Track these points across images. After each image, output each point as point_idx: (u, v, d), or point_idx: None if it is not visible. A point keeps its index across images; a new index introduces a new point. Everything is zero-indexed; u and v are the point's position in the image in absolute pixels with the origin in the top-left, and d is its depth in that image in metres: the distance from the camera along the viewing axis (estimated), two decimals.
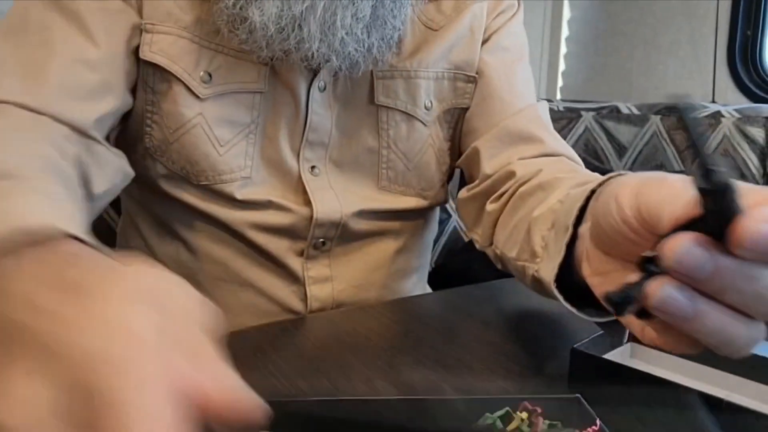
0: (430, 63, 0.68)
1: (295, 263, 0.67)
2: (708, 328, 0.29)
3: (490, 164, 0.67)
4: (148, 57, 0.60)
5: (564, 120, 1.97)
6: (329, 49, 0.58)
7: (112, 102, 0.58)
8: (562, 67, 2.34)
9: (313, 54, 0.57)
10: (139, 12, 0.60)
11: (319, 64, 0.61)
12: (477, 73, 0.71)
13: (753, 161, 1.62)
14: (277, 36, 0.56)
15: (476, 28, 0.70)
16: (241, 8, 0.57)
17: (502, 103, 0.70)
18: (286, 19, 0.56)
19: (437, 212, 0.80)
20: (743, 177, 1.63)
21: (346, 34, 0.57)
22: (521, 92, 0.71)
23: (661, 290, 0.28)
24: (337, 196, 0.67)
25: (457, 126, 0.72)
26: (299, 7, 0.56)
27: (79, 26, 0.57)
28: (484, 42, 0.71)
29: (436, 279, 0.91)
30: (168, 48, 0.60)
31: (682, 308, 0.28)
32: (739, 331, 0.29)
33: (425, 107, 0.69)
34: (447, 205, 1.19)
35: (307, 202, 0.66)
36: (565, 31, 2.28)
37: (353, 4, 0.57)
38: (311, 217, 0.65)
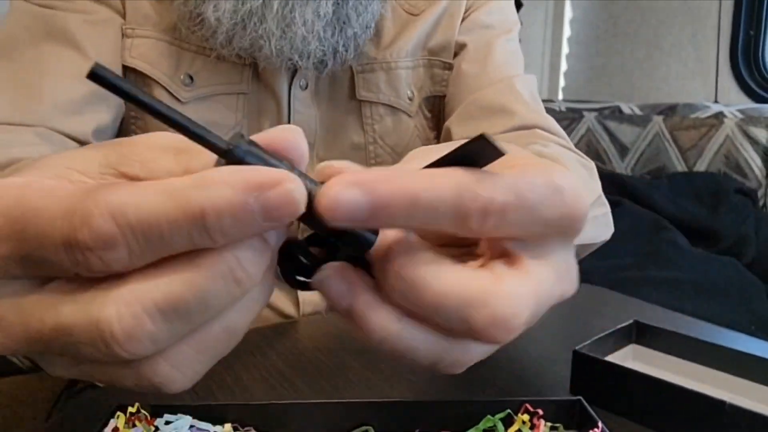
0: (409, 51, 0.67)
1: None
2: (375, 332, 0.23)
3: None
4: (129, 63, 0.60)
5: (566, 120, 1.96)
6: (291, 48, 0.57)
7: (107, 112, 0.58)
8: (564, 67, 2.34)
9: (273, 51, 0.57)
10: (123, 15, 0.60)
11: (288, 62, 0.60)
12: (454, 56, 0.69)
13: (756, 162, 1.61)
14: (234, 32, 0.56)
15: (455, 9, 0.69)
16: (195, 5, 0.57)
17: (475, 78, 0.67)
18: (242, 14, 0.56)
19: None
20: (746, 178, 1.62)
21: (307, 31, 0.57)
22: (498, 66, 0.68)
23: (325, 272, 0.24)
24: None
25: (440, 114, 0.71)
26: (255, 2, 0.55)
27: (69, 41, 0.57)
28: (463, 21, 0.70)
29: None
30: (147, 52, 0.60)
31: (337, 295, 0.24)
32: (417, 340, 0.24)
33: (408, 98, 0.68)
34: None
35: None
36: (566, 32, 2.28)
37: (313, 0, 0.56)
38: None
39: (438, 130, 0.72)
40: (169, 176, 0.21)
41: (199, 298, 0.20)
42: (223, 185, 0.19)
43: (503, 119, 0.64)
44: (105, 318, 0.19)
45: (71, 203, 0.19)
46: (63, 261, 0.20)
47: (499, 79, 0.67)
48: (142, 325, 0.20)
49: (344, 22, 0.59)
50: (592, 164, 0.61)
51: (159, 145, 0.23)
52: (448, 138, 0.67)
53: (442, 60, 0.69)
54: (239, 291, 0.21)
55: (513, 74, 0.68)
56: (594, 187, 0.57)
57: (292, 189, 0.20)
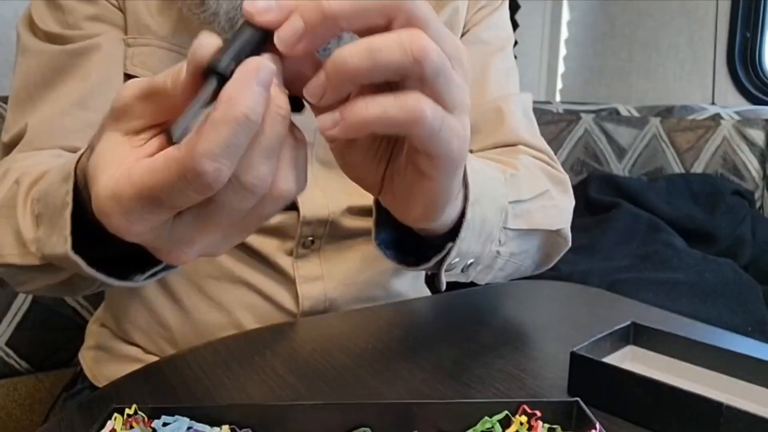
0: None
1: (285, 262, 0.67)
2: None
3: None
4: (130, 71, 0.63)
5: (563, 122, 1.96)
6: None
7: None
8: (561, 69, 2.34)
9: None
10: (124, 28, 0.63)
11: None
12: None
13: (752, 163, 1.62)
14: (235, 15, 0.57)
15: (455, 24, 0.70)
16: None
17: (471, 96, 0.69)
18: None
19: None
20: (743, 180, 1.63)
21: None
22: (493, 84, 0.70)
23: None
24: (323, 194, 0.66)
25: None
26: None
27: (81, 75, 0.61)
28: (462, 36, 0.71)
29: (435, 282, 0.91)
30: (147, 60, 0.62)
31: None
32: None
33: None
34: None
35: (294, 201, 0.65)
36: (564, 33, 2.28)
37: None
38: (298, 215, 0.65)
39: None
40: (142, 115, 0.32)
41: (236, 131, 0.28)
42: None
43: (490, 137, 0.68)
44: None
45: None
46: None
47: (493, 98, 0.70)
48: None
49: None
50: (565, 176, 0.67)
51: (131, 96, 0.32)
52: None
53: None
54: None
55: (507, 93, 0.71)
56: (540, 184, 0.61)
57: None
